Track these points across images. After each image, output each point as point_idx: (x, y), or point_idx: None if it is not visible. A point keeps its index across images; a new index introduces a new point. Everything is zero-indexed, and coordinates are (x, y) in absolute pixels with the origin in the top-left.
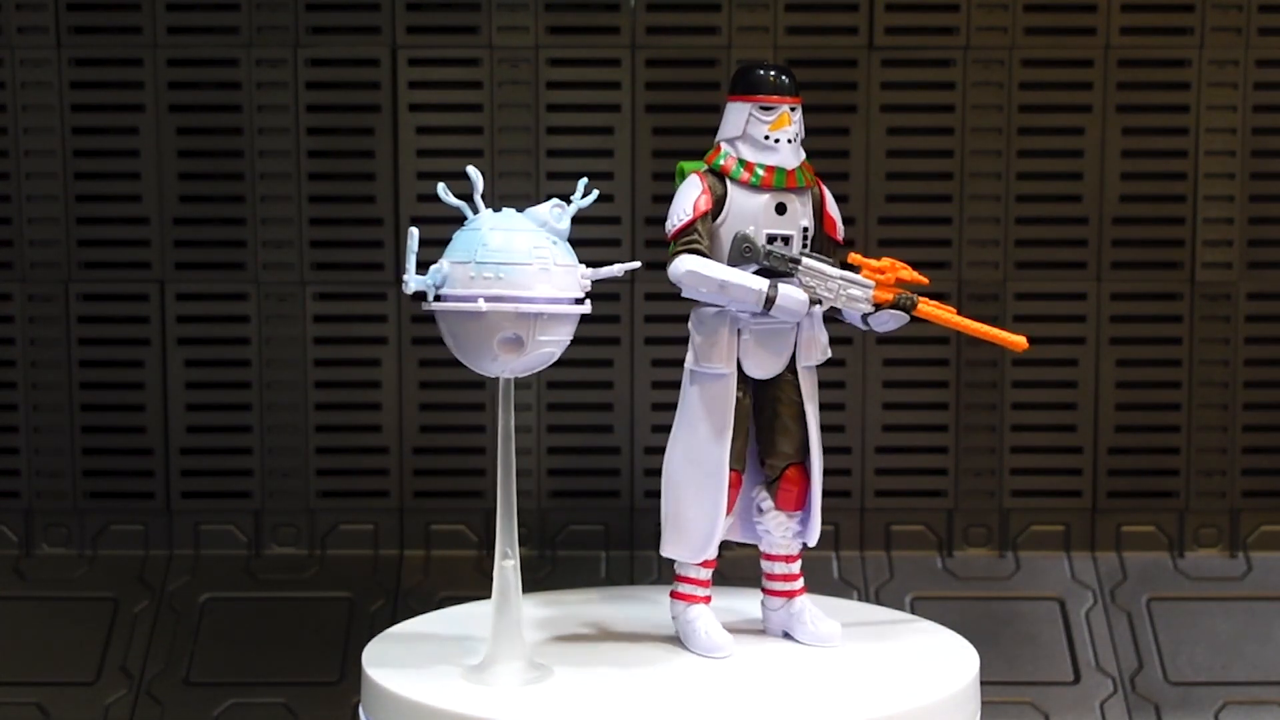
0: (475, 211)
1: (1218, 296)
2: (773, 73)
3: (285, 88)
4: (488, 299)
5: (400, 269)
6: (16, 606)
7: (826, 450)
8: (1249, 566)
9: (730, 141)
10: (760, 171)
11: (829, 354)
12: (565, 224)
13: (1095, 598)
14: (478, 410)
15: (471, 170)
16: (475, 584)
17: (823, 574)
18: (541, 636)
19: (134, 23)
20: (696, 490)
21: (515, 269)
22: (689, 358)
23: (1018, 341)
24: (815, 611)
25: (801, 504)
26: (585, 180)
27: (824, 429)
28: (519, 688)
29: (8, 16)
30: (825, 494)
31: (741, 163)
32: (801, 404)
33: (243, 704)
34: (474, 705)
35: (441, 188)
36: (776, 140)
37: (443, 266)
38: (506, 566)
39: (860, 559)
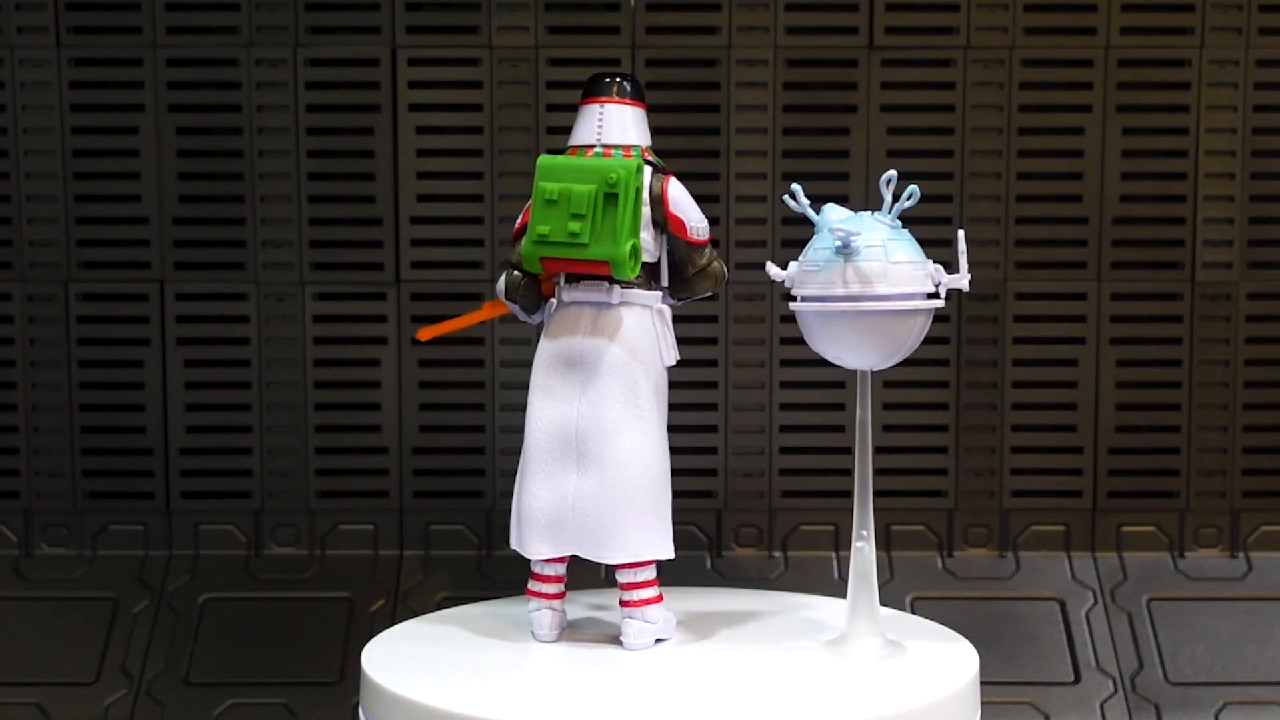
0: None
1: (1218, 296)
2: None
3: (285, 88)
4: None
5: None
6: (16, 606)
7: (827, 450)
8: (1249, 566)
9: (647, 148)
10: None
11: None
12: None
13: (1095, 598)
14: (478, 410)
15: (893, 174)
16: (475, 584)
17: (823, 574)
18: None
19: (134, 23)
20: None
21: None
22: (666, 355)
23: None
24: None
25: None
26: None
27: (824, 429)
28: (876, 662)
29: (8, 16)
30: (825, 494)
31: None
32: None
33: (243, 704)
34: (474, 705)
35: (797, 190)
36: None
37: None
38: (861, 548)
39: None
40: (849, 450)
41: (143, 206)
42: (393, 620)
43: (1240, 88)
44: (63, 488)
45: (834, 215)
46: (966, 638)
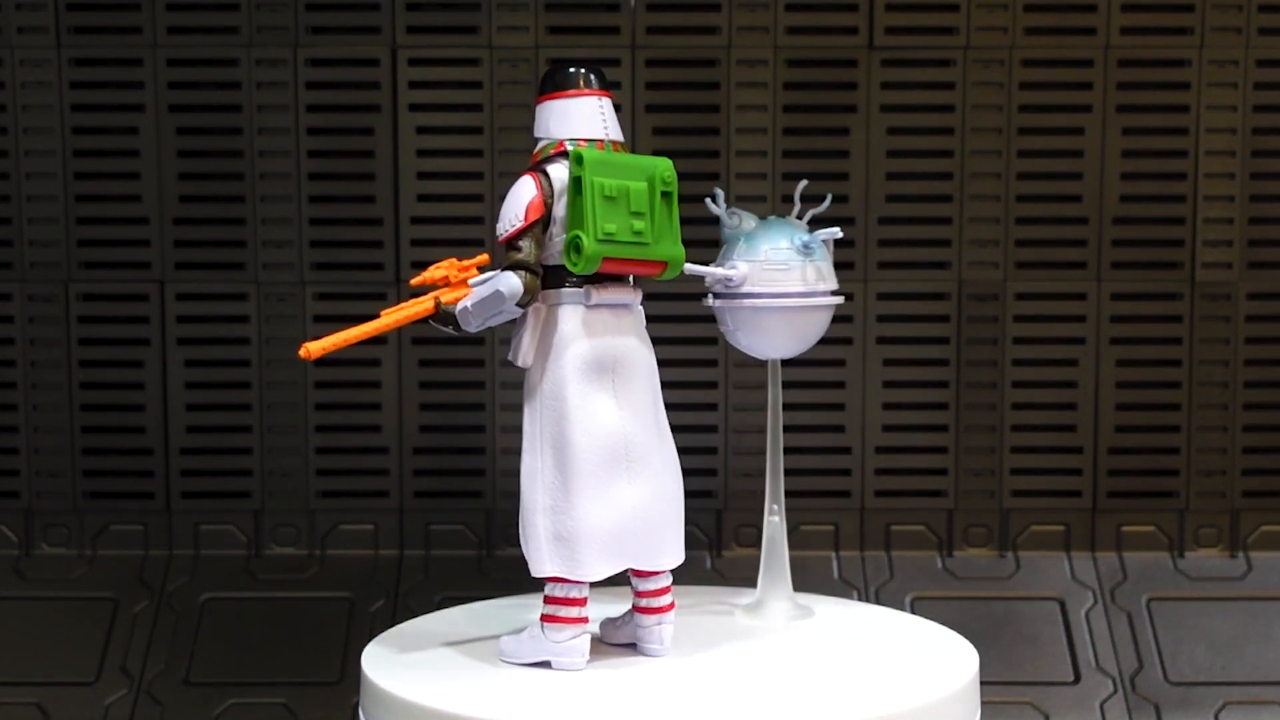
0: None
1: (1218, 296)
2: None
3: (285, 88)
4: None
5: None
6: (16, 606)
7: (827, 450)
8: (1249, 566)
9: None
10: None
11: None
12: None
13: (1095, 598)
14: (478, 410)
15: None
16: (475, 584)
17: (823, 574)
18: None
19: (134, 23)
20: None
21: None
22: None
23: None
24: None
25: None
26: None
27: (825, 429)
28: (786, 623)
29: (8, 16)
30: (825, 494)
31: None
32: None
33: (243, 704)
34: (474, 705)
35: (719, 195)
36: None
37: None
38: (773, 521)
39: (860, 559)
40: (848, 450)
41: (143, 206)
42: (393, 620)
43: (1240, 88)
44: (63, 488)
45: (749, 219)
46: (966, 638)
